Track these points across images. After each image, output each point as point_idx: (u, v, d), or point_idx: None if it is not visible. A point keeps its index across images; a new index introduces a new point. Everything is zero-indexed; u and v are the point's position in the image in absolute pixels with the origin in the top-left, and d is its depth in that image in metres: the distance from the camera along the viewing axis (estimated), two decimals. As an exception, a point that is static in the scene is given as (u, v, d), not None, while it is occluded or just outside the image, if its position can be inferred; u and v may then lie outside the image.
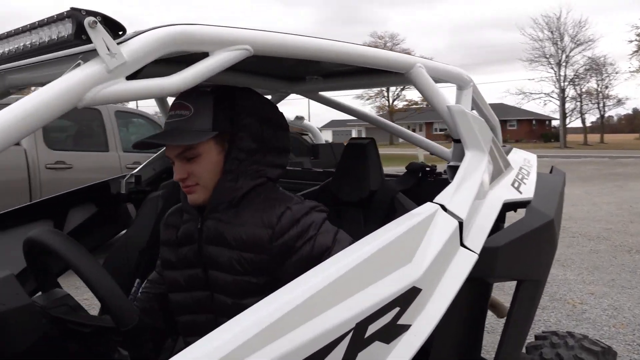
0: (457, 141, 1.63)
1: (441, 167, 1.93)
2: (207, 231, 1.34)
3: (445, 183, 1.61)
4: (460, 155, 1.63)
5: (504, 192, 1.64)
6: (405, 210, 1.62)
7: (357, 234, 1.78)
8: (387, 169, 2.03)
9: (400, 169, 2.01)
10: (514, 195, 1.66)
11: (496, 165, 1.71)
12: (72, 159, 5.58)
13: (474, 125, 1.60)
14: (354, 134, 59.12)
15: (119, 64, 0.93)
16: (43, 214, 2.20)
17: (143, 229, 2.18)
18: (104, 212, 2.38)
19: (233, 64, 1.11)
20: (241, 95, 1.35)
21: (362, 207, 1.78)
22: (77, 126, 6.13)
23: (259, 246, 1.26)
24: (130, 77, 0.96)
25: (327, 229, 1.30)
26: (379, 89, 48.86)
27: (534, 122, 55.88)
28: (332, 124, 60.79)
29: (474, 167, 1.54)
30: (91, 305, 3.39)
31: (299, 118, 2.86)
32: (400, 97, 50.28)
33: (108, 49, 0.91)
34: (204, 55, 1.08)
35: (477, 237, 1.42)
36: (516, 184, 1.74)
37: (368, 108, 51.70)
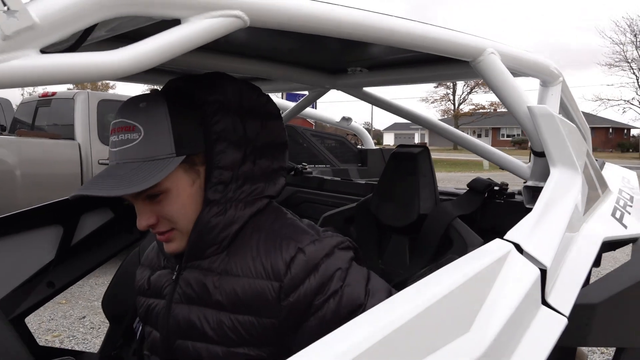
0: (539, 154, 1.22)
1: (512, 184, 1.51)
2: (185, 286, 1.00)
3: (520, 208, 1.21)
4: (542, 173, 1.22)
5: (602, 225, 1.21)
6: (463, 243, 1.23)
7: (399, 267, 1.40)
8: (450, 175, 1.62)
9: (460, 180, 1.57)
10: (617, 230, 1.23)
11: (592, 187, 1.28)
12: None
13: (565, 134, 1.18)
14: (417, 139, 57.88)
15: (22, 28, 0.60)
16: (52, 218, 1.96)
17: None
18: (120, 219, 2.12)
19: (218, 36, 0.77)
20: (202, 86, 0.99)
21: (408, 235, 1.40)
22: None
23: (261, 306, 0.92)
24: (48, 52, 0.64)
25: (356, 277, 0.94)
26: (444, 91, 47.65)
27: (610, 130, 52.55)
28: (394, 127, 59.83)
29: (563, 191, 1.13)
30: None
31: (346, 119, 2.51)
32: (467, 100, 48.70)
33: (3, 2, 0.59)
34: (174, 23, 0.75)
35: (566, 292, 1.01)
36: (618, 214, 1.31)
37: (432, 112, 50.56)
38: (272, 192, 1.03)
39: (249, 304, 0.92)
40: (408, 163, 1.39)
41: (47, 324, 3.88)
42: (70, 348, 3.30)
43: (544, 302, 0.97)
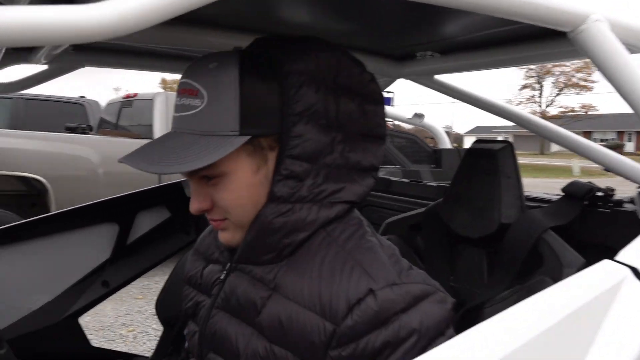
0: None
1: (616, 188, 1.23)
2: (229, 292, 0.85)
3: (631, 219, 0.96)
4: (666, 176, 0.95)
5: None
6: (557, 261, 0.99)
7: (475, 286, 1.17)
8: (535, 181, 1.35)
9: (547, 187, 1.29)
10: None
11: None
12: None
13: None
14: (500, 141, 55.43)
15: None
16: (108, 215, 1.90)
17: None
18: (176, 219, 2.03)
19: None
20: (290, 51, 0.79)
21: (486, 247, 1.16)
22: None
23: (305, 346, 0.73)
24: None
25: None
26: (530, 93, 45.32)
27: None
28: (477, 130, 57.77)
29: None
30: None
31: (418, 115, 2.28)
32: (555, 102, 46.03)
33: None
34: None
35: None
36: None
37: (517, 114, 48.19)
38: (355, 196, 0.82)
39: (291, 337, 0.74)
40: (487, 161, 1.16)
41: (123, 318, 3.95)
42: (126, 351, 3.31)
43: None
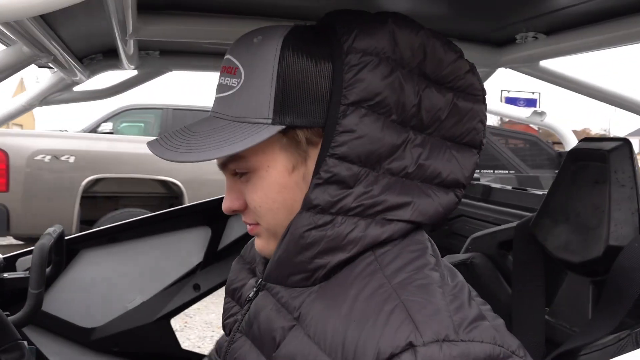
0: None
1: None
2: (253, 316, 0.73)
3: None
4: None
5: None
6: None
7: (575, 322, 0.93)
8: None
9: None
10: None
11: None
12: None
13: None
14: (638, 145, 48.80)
15: None
16: (201, 219, 1.92)
17: None
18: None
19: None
20: (361, 25, 0.64)
21: (591, 275, 0.91)
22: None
23: None
24: None
25: None
26: None
27: None
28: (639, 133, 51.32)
29: None
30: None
31: (539, 113, 1.97)
32: None
33: None
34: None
35: None
36: None
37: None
38: (423, 216, 0.65)
39: None
40: (595, 166, 0.90)
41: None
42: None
43: None
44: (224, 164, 0.68)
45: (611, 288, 0.83)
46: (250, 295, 0.78)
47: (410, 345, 0.52)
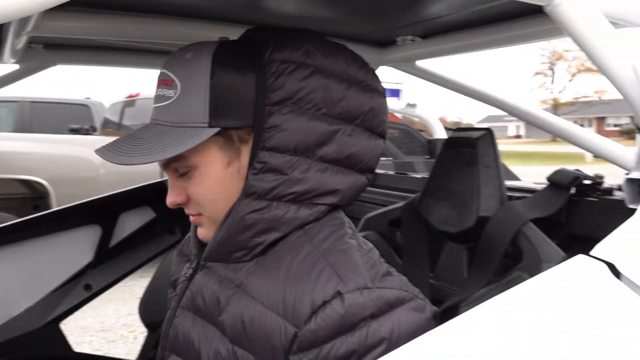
0: (649, 134, 0.87)
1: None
2: (195, 291, 0.81)
3: (620, 209, 0.88)
4: (654, 160, 0.87)
5: None
6: (536, 256, 0.92)
7: (455, 284, 1.10)
8: (547, 169, 1.25)
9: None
10: None
11: None
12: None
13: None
14: (511, 131, 54.92)
15: None
16: (90, 217, 1.86)
17: None
18: (162, 219, 1.98)
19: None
20: (277, 39, 0.76)
21: (466, 242, 1.09)
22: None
23: (264, 348, 0.68)
24: None
25: None
26: (542, 79, 44.75)
27: None
28: (488, 120, 57.19)
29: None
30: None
31: (411, 105, 2.19)
32: (567, 89, 45.40)
33: None
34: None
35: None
36: None
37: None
38: (344, 199, 0.78)
39: (252, 339, 0.70)
40: (466, 151, 1.08)
41: (124, 319, 3.93)
42: (125, 352, 3.30)
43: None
44: (167, 164, 0.77)
45: (481, 252, 1.02)
46: (187, 275, 0.85)
47: (338, 294, 0.66)
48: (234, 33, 1.15)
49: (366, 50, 1.43)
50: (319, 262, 0.70)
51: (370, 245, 0.78)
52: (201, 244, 0.84)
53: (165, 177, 1.96)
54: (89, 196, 1.88)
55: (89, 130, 5.54)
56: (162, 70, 0.76)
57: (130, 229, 1.93)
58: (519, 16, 1.07)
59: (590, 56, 0.86)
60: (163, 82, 0.75)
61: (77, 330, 3.75)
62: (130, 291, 4.28)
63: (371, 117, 0.78)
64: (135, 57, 1.56)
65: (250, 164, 0.74)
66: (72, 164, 4.88)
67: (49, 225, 1.76)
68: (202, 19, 1.15)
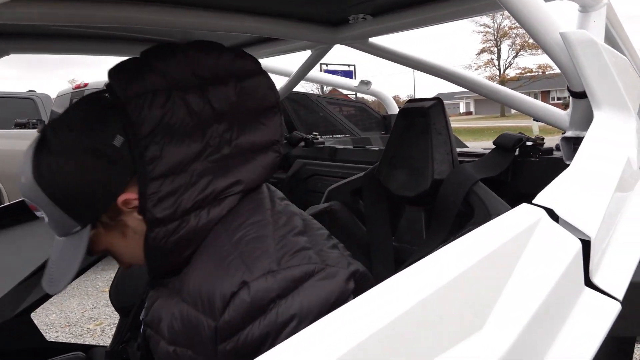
0: (579, 95, 0.97)
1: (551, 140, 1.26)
2: (148, 307, 0.87)
3: (559, 165, 0.98)
4: (584, 119, 0.98)
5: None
6: (486, 211, 1.01)
7: (414, 243, 1.19)
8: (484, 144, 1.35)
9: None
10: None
11: (650, 134, 1.02)
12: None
13: (611, 66, 0.92)
14: (462, 108, 56.18)
15: None
16: None
17: None
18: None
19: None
20: (120, 70, 0.80)
21: (423, 205, 1.18)
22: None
23: (197, 342, 0.73)
24: None
25: None
26: (488, 56, 45.87)
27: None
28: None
29: (611, 139, 0.88)
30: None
31: (365, 82, 2.27)
32: (513, 65, 46.73)
33: None
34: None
35: (618, 269, 0.78)
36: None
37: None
38: (252, 183, 0.81)
39: (185, 335, 0.75)
40: (419, 120, 1.16)
41: (90, 312, 3.89)
42: (82, 342, 3.28)
43: (589, 283, 0.74)
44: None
45: (437, 212, 1.10)
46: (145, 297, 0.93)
47: (244, 283, 0.69)
48: (188, 16, 1.18)
49: (320, 30, 1.48)
50: (230, 255, 0.73)
51: (292, 210, 0.82)
52: None
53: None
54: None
55: (36, 124, 5.36)
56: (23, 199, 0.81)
57: None
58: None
59: (527, 28, 0.95)
60: (32, 207, 0.80)
61: (42, 327, 3.69)
62: (93, 285, 4.24)
63: (247, 99, 0.81)
64: (88, 44, 1.55)
65: (144, 196, 0.75)
66: (21, 158, 4.74)
67: (13, 217, 1.75)
68: (159, 4, 1.17)
